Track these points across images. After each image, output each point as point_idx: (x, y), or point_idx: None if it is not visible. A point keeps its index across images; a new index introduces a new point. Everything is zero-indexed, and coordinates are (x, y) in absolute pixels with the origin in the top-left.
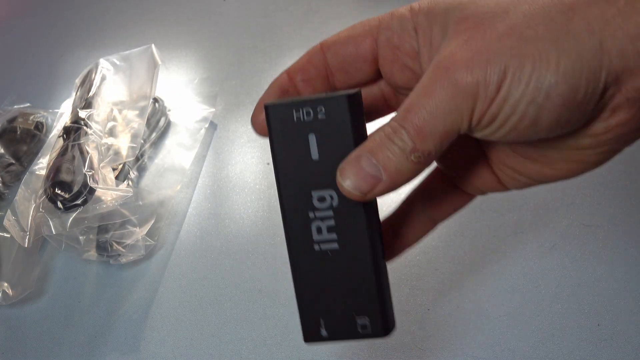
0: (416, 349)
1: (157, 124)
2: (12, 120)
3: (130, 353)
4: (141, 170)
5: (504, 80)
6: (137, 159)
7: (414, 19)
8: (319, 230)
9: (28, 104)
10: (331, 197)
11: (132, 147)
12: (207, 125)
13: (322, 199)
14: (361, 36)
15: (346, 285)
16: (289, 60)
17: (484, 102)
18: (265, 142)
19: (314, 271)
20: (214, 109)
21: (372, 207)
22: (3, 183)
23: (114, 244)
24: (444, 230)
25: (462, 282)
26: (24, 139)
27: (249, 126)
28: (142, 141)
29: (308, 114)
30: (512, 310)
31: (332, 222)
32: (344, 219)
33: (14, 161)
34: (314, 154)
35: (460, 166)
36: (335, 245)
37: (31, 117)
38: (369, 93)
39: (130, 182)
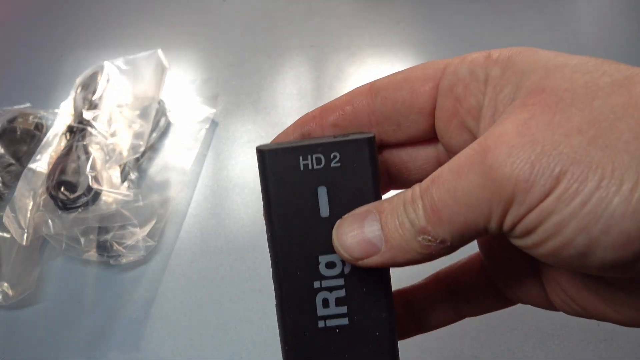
0: (416, 349)
1: (157, 124)
2: (12, 120)
3: (131, 353)
4: (141, 171)
5: (553, 190)
6: (138, 160)
7: (488, 68)
8: (326, 303)
9: (28, 104)
10: (343, 263)
11: (135, 149)
12: (207, 126)
13: (331, 265)
14: (421, 79)
15: None
16: (289, 60)
17: (520, 207)
18: (265, 142)
19: (317, 353)
20: (214, 110)
21: (389, 275)
22: (3, 183)
23: (115, 244)
24: None
25: None
26: (24, 139)
27: (249, 126)
28: (144, 141)
29: (319, 161)
30: (512, 310)
31: (342, 293)
32: (357, 289)
33: (14, 161)
34: (324, 210)
35: (505, 268)
36: (344, 321)
37: (31, 117)
38: (422, 154)
39: (130, 183)
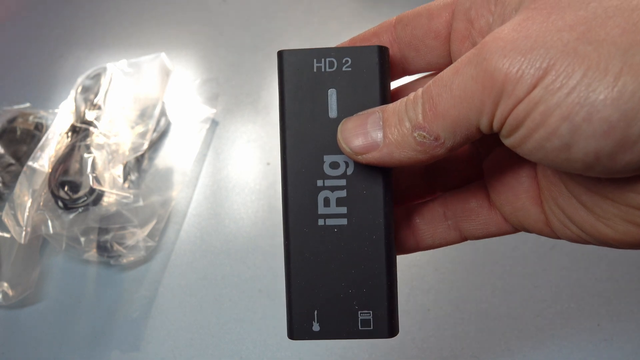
0: (416, 349)
1: (157, 124)
2: (12, 120)
3: (131, 352)
4: (142, 171)
5: (541, 79)
6: (138, 160)
7: None
8: (327, 202)
9: (28, 104)
10: (346, 164)
11: (137, 150)
12: (207, 126)
13: (335, 165)
14: (439, 8)
15: (350, 271)
16: None
17: (509, 98)
18: (265, 142)
19: (314, 250)
20: (214, 110)
21: (391, 182)
22: (3, 183)
23: (115, 244)
24: None
25: (462, 282)
26: (24, 139)
27: (250, 126)
28: (146, 143)
29: (331, 64)
30: (512, 310)
31: (343, 193)
32: (358, 191)
33: (14, 161)
34: (332, 111)
35: (506, 189)
36: (343, 221)
37: (31, 117)
38: None
39: (130, 184)
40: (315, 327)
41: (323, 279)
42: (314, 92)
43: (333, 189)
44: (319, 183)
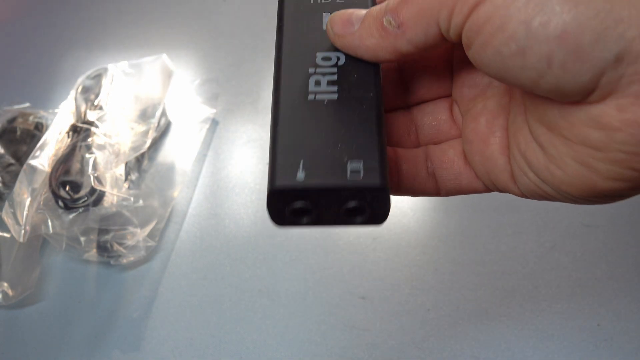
0: (416, 349)
1: (157, 124)
2: (12, 120)
3: (131, 352)
4: (142, 171)
5: None
6: (138, 160)
7: None
8: (318, 83)
9: (28, 104)
10: (337, 58)
11: (137, 150)
12: (207, 126)
13: (326, 59)
14: None
15: (340, 130)
16: None
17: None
18: (265, 142)
19: (303, 117)
20: (214, 110)
21: (380, 73)
22: (3, 183)
23: (115, 244)
24: (444, 230)
25: (462, 282)
26: (24, 139)
27: (250, 126)
28: (148, 141)
29: None
30: (512, 310)
31: (334, 77)
32: (348, 74)
33: (14, 161)
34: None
35: (478, 137)
36: (333, 96)
37: (31, 117)
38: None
39: (131, 184)
40: (300, 175)
41: (311, 134)
42: (310, 17)
43: (324, 74)
44: (311, 71)
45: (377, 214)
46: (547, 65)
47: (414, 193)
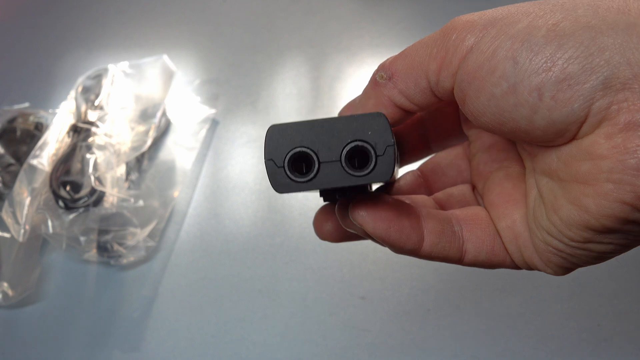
0: (416, 349)
1: (157, 124)
2: (12, 120)
3: (131, 352)
4: (142, 171)
5: (487, 27)
6: (138, 160)
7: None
8: None
9: (28, 104)
10: None
11: (138, 150)
12: (207, 126)
13: None
14: None
15: None
16: (289, 60)
17: (456, 52)
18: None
19: None
20: (214, 110)
21: None
22: (3, 183)
23: (115, 244)
24: None
25: (462, 282)
26: (24, 139)
27: (249, 126)
28: (149, 140)
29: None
30: (512, 310)
31: None
32: None
33: (14, 161)
34: None
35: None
36: None
37: (31, 117)
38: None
39: (131, 184)
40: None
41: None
42: None
43: None
44: None
45: (382, 161)
46: (539, 97)
47: (435, 258)
